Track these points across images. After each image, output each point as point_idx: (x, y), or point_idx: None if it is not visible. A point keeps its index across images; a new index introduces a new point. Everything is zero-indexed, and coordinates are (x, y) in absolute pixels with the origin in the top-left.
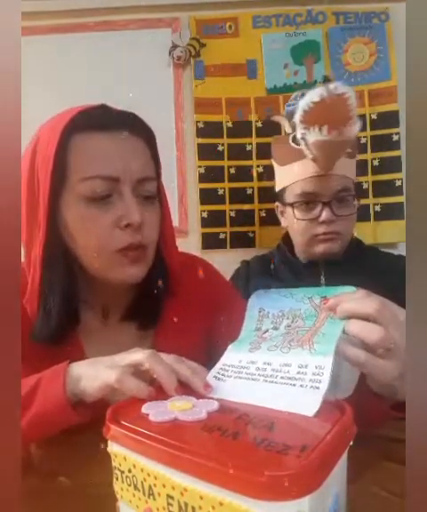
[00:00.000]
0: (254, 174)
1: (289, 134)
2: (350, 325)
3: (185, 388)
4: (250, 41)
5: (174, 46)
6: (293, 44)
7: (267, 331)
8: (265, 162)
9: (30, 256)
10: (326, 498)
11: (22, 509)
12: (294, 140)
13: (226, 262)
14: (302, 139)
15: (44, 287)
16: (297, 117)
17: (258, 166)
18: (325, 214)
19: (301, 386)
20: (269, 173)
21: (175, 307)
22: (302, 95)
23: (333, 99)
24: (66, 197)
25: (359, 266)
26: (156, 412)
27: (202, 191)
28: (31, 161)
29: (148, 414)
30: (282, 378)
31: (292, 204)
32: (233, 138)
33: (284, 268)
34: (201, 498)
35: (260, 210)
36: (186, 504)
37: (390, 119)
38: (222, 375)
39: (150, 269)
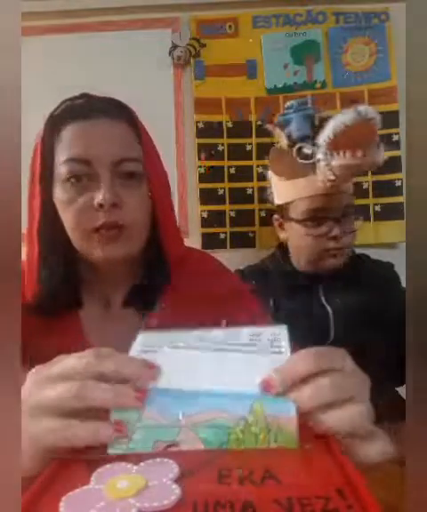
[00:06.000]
0: (254, 174)
1: (291, 147)
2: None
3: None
4: (250, 41)
5: (174, 46)
6: (293, 44)
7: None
8: (265, 162)
9: (28, 241)
10: None
11: None
12: (303, 155)
13: (226, 262)
14: (325, 161)
15: (41, 265)
16: (324, 139)
17: (258, 166)
18: (336, 230)
19: (261, 352)
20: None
21: (173, 297)
22: (297, 106)
23: (363, 124)
24: (55, 184)
25: (355, 274)
26: None
27: (202, 191)
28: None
29: None
30: (231, 344)
31: (300, 221)
32: (233, 138)
33: (279, 278)
34: None
35: (260, 210)
36: None
37: (390, 119)
38: (151, 347)
39: (147, 253)
